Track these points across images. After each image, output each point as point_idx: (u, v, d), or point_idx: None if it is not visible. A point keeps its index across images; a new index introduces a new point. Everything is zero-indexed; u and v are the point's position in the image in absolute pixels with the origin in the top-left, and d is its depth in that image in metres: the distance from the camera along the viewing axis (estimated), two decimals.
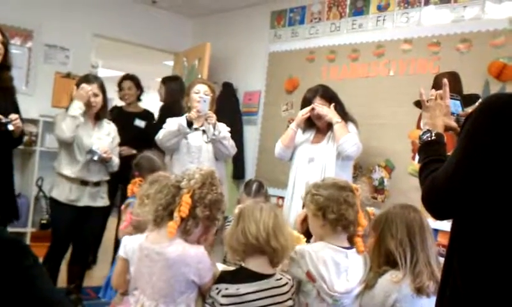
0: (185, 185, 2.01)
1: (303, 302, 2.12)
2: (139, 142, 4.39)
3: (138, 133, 5.01)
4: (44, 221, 5.35)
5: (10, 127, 3.30)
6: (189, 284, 1.98)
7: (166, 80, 5.27)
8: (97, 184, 3.84)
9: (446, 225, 3.42)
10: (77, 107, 3.68)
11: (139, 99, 5.43)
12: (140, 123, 5.19)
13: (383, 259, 2.21)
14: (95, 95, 3.79)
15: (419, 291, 2.09)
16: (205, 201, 2.00)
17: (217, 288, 1.98)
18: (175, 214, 1.97)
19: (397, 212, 2.23)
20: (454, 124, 1.95)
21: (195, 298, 2.02)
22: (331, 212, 2.15)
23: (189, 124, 3.85)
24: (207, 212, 2.01)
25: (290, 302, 2.07)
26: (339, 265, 2.13)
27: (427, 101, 1.96)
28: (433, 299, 2.13)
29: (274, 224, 2.03)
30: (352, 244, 2.23)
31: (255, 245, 2.00)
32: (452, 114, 1.99)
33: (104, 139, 3.86)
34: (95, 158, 3.71)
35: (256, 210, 2.05)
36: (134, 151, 4.30)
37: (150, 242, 2.04)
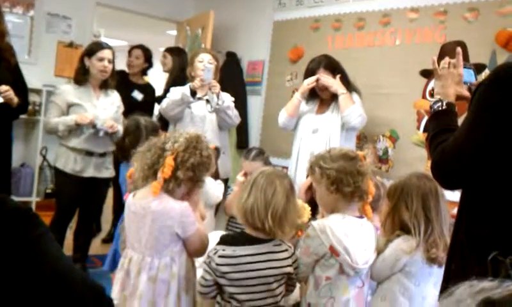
0: (169, 147, 2.09)
1: (322, 276, 2.11)
2: (132, 114, 4.33)
3: (133, 105, 4.84)
4: (49, 190, 5.38)
5: (0, 100, 3.25)
6: (173, 236, 2.07)
7: (173, 52, 5.21)
8: (103, 155, 3.81)
9: (453, 195, 3.43)
10: (73, 120, 3.62)
11: (144, 72, 5.38)
12: (137, 95, 5.11)
13: (396, 229, 2.22)
14: (109, 61, 3.76)
15: (432, 261, 2.11)
16: (187, 164, 2.07)
17: (215, 249, 2.04)
18: (159, 174, 2.06)
19: (413, 183, 2.21)
20: (466, 93, 1.93)
21: (179, 251, 2.11)
22: (347, 185, 2.09)
23: (193, 93, 3.83)
24: (190, 173, 2.09)
25: (289, 269, 2.09)
26: (357, 235, 2.12)
27: (440, 69, 1.94)
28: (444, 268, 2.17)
29: (283, 209, 2.04)
30: (360, 211, 2.23)
31: (260, 228, 2.03)
32: (465, 83, 1.96)
33: (109, 108, 3.82)
34: (101, 134, 3.66)
35: (269, 189, 2.04)
36: (125, 122, 4.23)
37: (136, 199, 2.15)
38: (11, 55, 3.50)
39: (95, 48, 3.78)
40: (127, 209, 2.20)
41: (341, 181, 2.11)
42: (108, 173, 3.88)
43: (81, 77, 3.75)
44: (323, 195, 2.17)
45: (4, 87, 3.28)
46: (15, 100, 3.36)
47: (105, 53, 3.75)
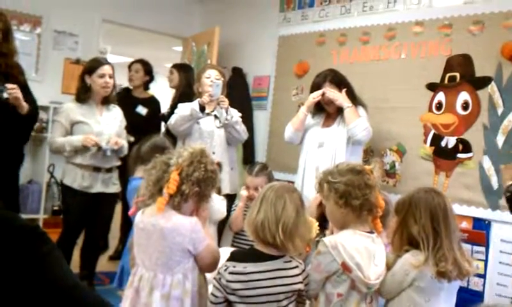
0: (174, 162, 2.09)
1: (333, 293, 2.10)
2: (138, 129, 4.37)
3: (138, 120, 4.92)
4: (56, 208, 5.38)
5: (5, 95, 3.24)
6: (184, 253, 2.06)
7: (180, 68, 5.23)
8: (109, 170, 3.82)
9: (461, 209, 3.41)
10: (80, 141, 3.64)
11: (147, 86, 5.40)
12: (142, 110, 5.14)
13: (405, 244, 2.20)
14: (110, 77, 3.78)
15: (441, 275, 2.09)
16: (191, 178, 2.06)
17: (225, 265, 2.03)
18: (164, 190, 2.05)
19: (421, 197, 2.21)
20: None
21: (191, 267, 2.09)
22: (355, 197, 2.10)
23: (201, 109, 3.84)
24: (196, 188, 2.07)
25: (299, 286, 2.07)
26: (369, 251, 2.11)
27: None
28: (454, 283, 2.16)
29: (294, 223, 2.03)
30: (370, 226, 2.21)
31: (271, 243, 2.02)
32: None
33: (112, 123, 3.84)
34: (108, 154, 3.68)
35: (279, 203, 2.04)
36: (132, 139, 4.27)
37: (145, 216, 2.14)
38: (19, 73, 3.54)
39: (94, 65, 3.80)
40: (135, 227, 2.19)
41: (349, 194, 2.11)
42: (115, 188, 3.90)
43: (83, 95, 3.78)
44: (332, 210, 2.16)
45: (11, 85, 3.30)
46: (23, 103, 3.37)
47: (105, 69, 3.77)
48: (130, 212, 2.71)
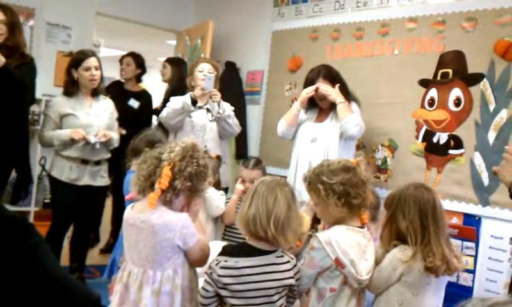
0: (166, 157, 2.06)
1: (326, 288, 2.11)
2: (130, 122, 4.36)
3: (130, 113, 4.94)
4: (47, 200, 5.35)
5: None
6: (174, 249, 2.04)
7: (173, 62, 5.22)
8: (98, 163, 3.82)
9: (451, 205, 3.42)
10: (68, 135, 3.65)
11: (139, 79, 5.39)
12: (134, 103, 5.14)
13: (393, 239, 2.21)
14: (96, 69, 3.76)
15: (429, 270, 2.10)
16: (184, 173, 2.04)
17: (217, 260, 2.02)
18: (156, 185, 2.03)
19: (411, 193, 2.22)
20: None
21: (182, 263, 2.08)
22: (354, 197, 2.11)
23: (193, 102, 3.83)
24: (188, 183, 2.06)
25: (291, 281, 2.08)
26: (361, 246, 2.12)
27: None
28: (442, 278, 2.17)
29: (286, 216, 2.03)
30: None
31: (262, 237, 2.02)
32: None
33: (102, 115, 3.83)
34: (97, 146, 3.68)
35: (270, 197, 2.04)
36: (123, 132, 4.26)
37: (135, 212, 2.12)
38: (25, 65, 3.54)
39: (80, 57, 3.79)
40: (124, 222, 2.17)
41: (348, 194, 2.11)
42: (103, 181, 3.89)
43: (71, 88, 3.78)
44: (331, 211, 2.16)
45: None
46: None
47: (91, 61, 3.76)
48: (127, 197, 2.71)
